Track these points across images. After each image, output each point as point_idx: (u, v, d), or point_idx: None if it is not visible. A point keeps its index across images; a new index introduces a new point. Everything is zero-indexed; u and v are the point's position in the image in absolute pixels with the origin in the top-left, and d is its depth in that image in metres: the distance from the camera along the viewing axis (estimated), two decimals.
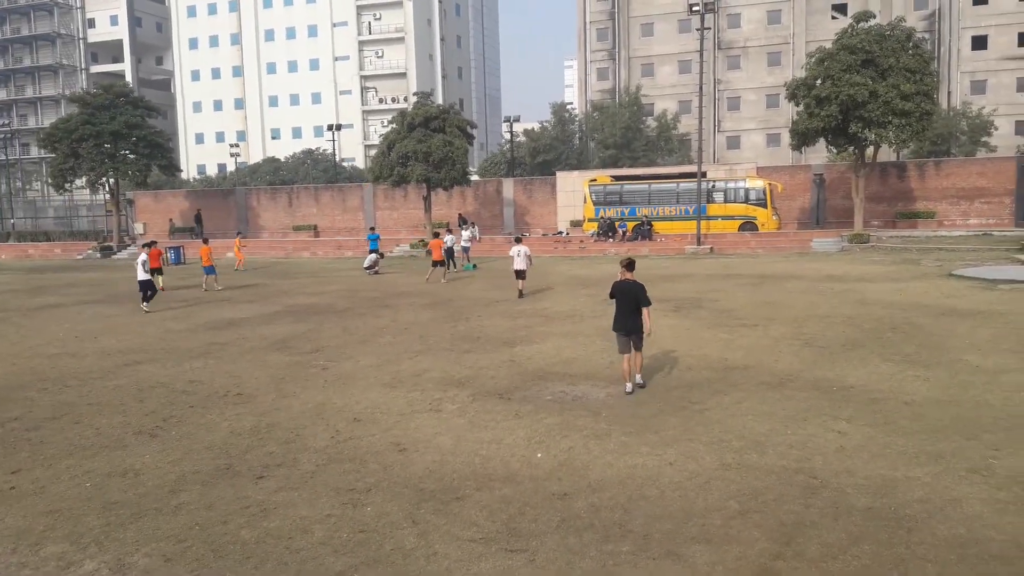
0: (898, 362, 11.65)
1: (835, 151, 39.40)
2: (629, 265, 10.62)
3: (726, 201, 38.61)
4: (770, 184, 38.53)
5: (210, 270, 24.90)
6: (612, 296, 10.63)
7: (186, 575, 5.59)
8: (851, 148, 35.96)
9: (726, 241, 36.41)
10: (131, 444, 8.72)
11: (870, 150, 35.76)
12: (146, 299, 20.37)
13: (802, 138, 35.54)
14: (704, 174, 37.87)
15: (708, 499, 6.68)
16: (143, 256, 21.08)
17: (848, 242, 34.10)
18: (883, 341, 13.31)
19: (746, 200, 38.30)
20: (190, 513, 6.69)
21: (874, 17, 35.40)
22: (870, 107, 32.14)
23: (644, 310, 10.27)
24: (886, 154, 45.94)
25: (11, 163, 79.96)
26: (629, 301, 10.33)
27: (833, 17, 62.91)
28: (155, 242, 27.20)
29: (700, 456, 7.75)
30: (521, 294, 21.11)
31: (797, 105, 36.43)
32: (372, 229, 36.24)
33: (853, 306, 17.41)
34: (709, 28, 40.45)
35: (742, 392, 10.18)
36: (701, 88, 38.88)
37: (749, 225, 37.90)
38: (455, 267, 29.39)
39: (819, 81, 34.00)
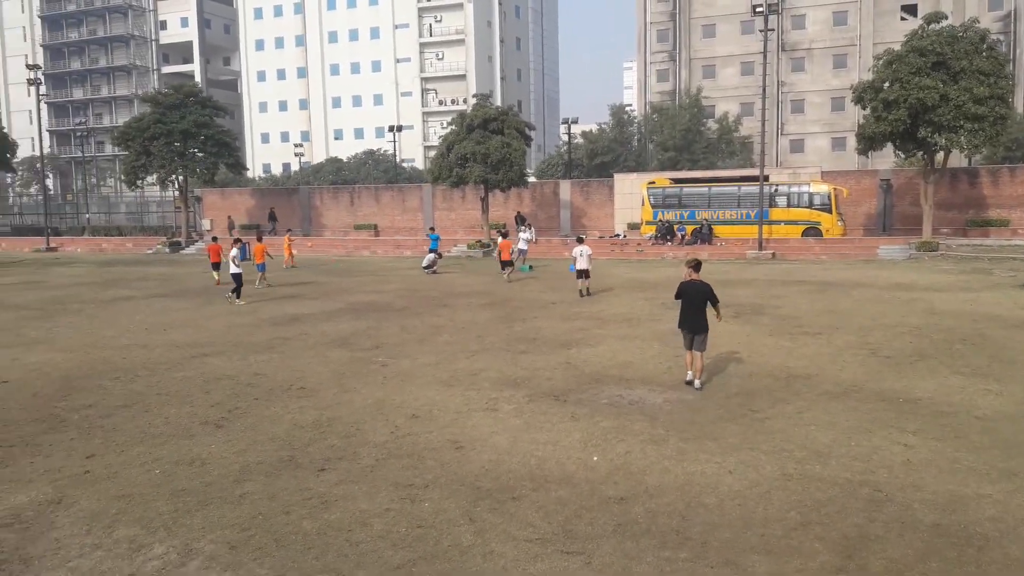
0: (968, 375, 11.29)
1: (903, 156, 38.26)
2: (696, 266, 10.99)
3: (789, 205, 37.86)
4: (835, 189, 37.66)
5: (262, 267, 25.27)
6: (678, 297, 10.98)
7: (250, 563, 5.73)
8: (920, 153, 34.90)
9: (789, 246, 35.73)
10: (198, 434, 8.99)
11: (940, 155, 34.67)
12: (237, 292, 21.25)
13: (869, 142, 34.64)
14: (767, 177, 37.21)
15: (768, 509, 6.58)
16: (234, 251, 22.20)
17: (916, 250, 33.13)
18: (953, 353, 12.91)
19: (810, 205, 37.50)
20: (254, 503, 6.87)
21: (946, 18, 34.29)
22: (941, 111, 31.16)
23: (712, 309, 10.78)
24: (957, 159, 44.50)
25: (87, 160, 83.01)
26: (695, 301, 10.70)
27: (902, 18, 61.21)
28: (217, 238, 28.07)
29: (760, 465, 7.63)
30: (586, 292, 21.51)
31: (864, 108, 35.52)
32: (432, 229, 36.63)
33: (921, 316, 16.92)
34: (773, 29, 39.80)
35: (804, 401, 9.99)
36: (764, 90, 38.22)
37: (813, 230, 37.09)
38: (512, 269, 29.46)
39: (887, 84, 33.09)
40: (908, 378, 11.15)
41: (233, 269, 21.65)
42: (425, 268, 29.91)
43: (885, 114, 32.62)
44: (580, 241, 23.15)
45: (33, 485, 7.42)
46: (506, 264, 26.47)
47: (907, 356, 12.69)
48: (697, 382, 10.70)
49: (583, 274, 21.69)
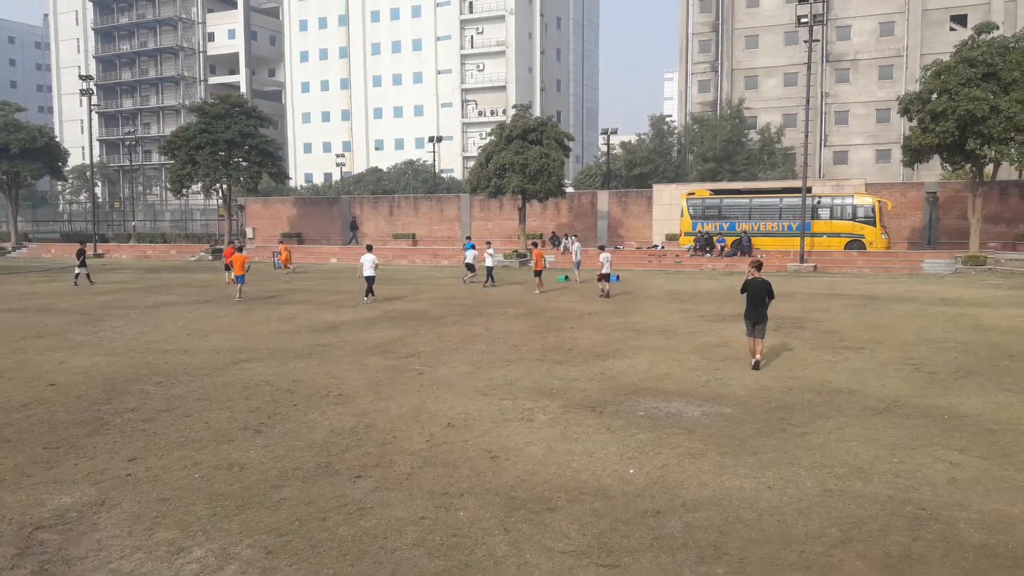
0: (1017, 392, 10.97)
1: (950, 168, 37.49)
2: (758, 266, 13.08)
3: (832, 218, 37.34)
4: (879, 201, 37.05)
5: (241, 279, 24.75)
6: (743, 291, 13.02)
7: (286, 568, 5.78)
8: (968, 166, 34.18)
9: (831, 259, 35.19)
10: (237, 439, 9.10)
11: (989, 168, 33.92)
12: (368, 292, 23.60)
13: (915, 155, 34.02)
14: (809, 189, 36.72)
15: (808, 525, 6.45)
16: (371, 257, 24.10)
17: (962, 264, 32.40)
18: (1000, 369, 12.58)
19: (853, 217, 36.95)
20: (291, 508, 6.92)
21: (997, 28, 33.63)
22: (990, 123, 30.51)
23: (769, 302, 12.69)
24: (1006, 172, 43.47)
25: (134, 169, 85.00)
26: (758, 294, 12.67)
27: (951, 28, 60.12)
28: (242, 247, 29.06)
29: (800, 481, 7.50)
30: (608, 295, 24.16)
31: (910, 120, 34.94)
32: (468, 239, 36.77)
33: (967, 331, 16.52)
34: (818, 40, 39.30)
35: (846, 417, 9.80)
36: (808, 101, 37.81)
37: (856, 243, 36.53)
38: (493, 282, 28.83)
39: (935, 95, 32.51)
40: (953, 395, 10.88)
41: (367, 272, 23.69)
42: (467, 269, 30.05)
43: (932, 126, 32.05)
44: (602, 249, 27.19)
45: (77, 486, 7.57)
46: (538, 274, 26.81)
47: (952, 372, 12.39)
48: (757, 358, 12.75)
49: (605, 277, 24.73)
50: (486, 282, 28.71)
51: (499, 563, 5.81)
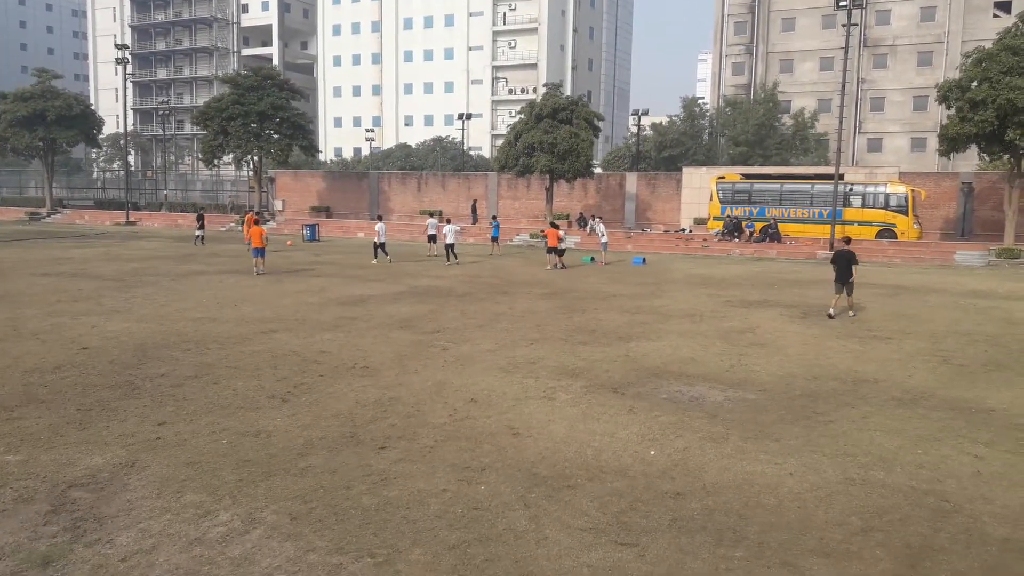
0: None
1: (988, 159, 36.69)
2: (847, 240, 18.15)
3: (864, 206, 36.77)
4: (913, 190, 36.42)
5: (258, 252, 24.09)
6: (832, 261, 17.03)
7: (310, 535, 5.90)
8: (1006, 156, 33.45)
9: (861, 248, 34.34)
10: (264, 407, 9.25)
11: None
12: (375, 255, 27.90)
13: (952, 144, 33.32)
14: (841, 176, 36.19)
15: (829, 513, 6.46)
16: (380, 225, 28.65)
17: (996, 257, 31.82)
18: None
19: (886, 206, 36.36)
20: (315, 476, 7.05)
21: None
22: None
23: (854, 268, 16.63)
24: None
25: (167, 138, 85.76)
26: (845, 262, 16.58)
27: (995, 15, 58.62)
28: (259, 212, 29.93)
29: (822, 468, 7.49)
30: (562, 266, 27.28)
31: (948, 108, 34.19)
32: (495, 217, 36.81)
33: (998, 324, 16.28)
34: (856, 24, 38.56)
35: (871, 406, 9.75)
36: (843, 86, 37.14)
37: (887, 232, 35.97)
38: (455, 257, 28.91)
39: (975, 83, 31.76)
40: (981, 388, 10.76)
41: (380, 239, 27.86)
42: (446, 246, 29.10)
43: (971, 115, 31.35)
44: (556, 227, 28.09)
45: (108, 448, 7.76)
46: (552, 250, 27.75)
47: (981, 365, 12.25)
48: (851, 312, 16.86)
49: (561, 252, 27.44)
50: (448, 259, 28.85)
51: (519, 537, 5.89)
